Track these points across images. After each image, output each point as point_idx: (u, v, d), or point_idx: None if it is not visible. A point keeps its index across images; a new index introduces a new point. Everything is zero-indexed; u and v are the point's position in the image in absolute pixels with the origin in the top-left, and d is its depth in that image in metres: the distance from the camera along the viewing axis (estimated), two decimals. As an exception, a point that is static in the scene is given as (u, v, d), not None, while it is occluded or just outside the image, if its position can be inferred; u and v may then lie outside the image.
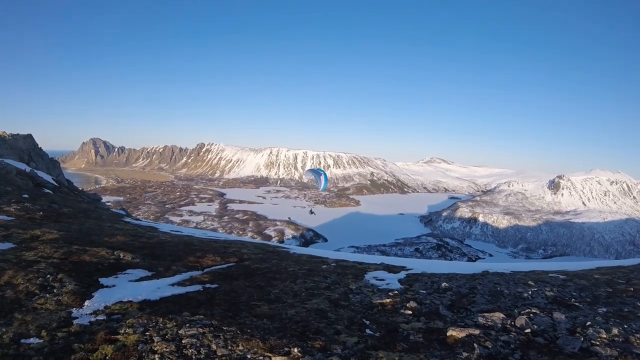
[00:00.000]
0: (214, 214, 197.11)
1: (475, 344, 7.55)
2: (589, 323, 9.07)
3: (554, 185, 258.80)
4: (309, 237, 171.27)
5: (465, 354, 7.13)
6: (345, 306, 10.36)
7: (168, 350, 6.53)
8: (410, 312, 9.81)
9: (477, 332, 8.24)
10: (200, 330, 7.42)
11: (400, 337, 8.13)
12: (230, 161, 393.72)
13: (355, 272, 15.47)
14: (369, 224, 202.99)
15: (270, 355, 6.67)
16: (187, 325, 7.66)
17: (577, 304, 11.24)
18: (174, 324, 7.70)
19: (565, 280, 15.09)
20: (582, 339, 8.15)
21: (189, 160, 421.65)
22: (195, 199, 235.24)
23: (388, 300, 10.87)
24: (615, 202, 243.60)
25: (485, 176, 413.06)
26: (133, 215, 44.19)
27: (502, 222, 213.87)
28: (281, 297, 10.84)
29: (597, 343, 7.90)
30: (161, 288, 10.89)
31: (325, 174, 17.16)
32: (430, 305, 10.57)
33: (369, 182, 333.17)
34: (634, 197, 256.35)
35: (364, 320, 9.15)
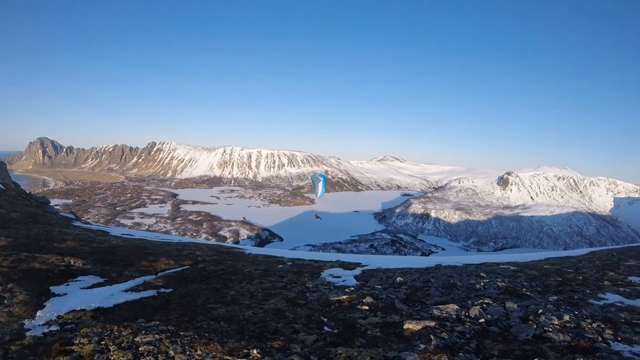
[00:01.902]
0: (167, 215, 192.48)
1: (431, 336, 7.68)
2: (540, 311, 9.39)
3: (503, 181, 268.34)
4: (265, 237, 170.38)
5: (422, 346, 7.24)
6: (302, 305, 10.32)
7: (125, 359, 6.30)
8: (367, 308, 9.89)
9: (433, 324, 8.39)
10: (157, 336, 7.21)
11: (359, 332, 8.17)
12: (183, 161, 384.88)
13: (312, 270, 15.48)
14: (324, 222, 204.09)
15: (229, 358, 6.55)
16: (143, 332, 7.42)
17: (528, 293, 11.65)
18: (130, 331, 7.46)
19: (516, 271, 15.62)
20: (535, 326, 8.44)
21: (140, 160, 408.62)
22: (146, 200, 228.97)
23: (345, 296, 10.92)
24: (562, 197, 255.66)
25: (437, 173, 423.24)
26: (83, 218, 42.59)
27: (454, 217, 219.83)
28: (238, 299, 10.69)
29: (550, 329, 8.19)
30: (114, 295, 10.54)
31: (324, 180, 17.00)
32: (387, 300, 10.70)
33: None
34: (580, 192, 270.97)
35: (322, 317, 9.14)
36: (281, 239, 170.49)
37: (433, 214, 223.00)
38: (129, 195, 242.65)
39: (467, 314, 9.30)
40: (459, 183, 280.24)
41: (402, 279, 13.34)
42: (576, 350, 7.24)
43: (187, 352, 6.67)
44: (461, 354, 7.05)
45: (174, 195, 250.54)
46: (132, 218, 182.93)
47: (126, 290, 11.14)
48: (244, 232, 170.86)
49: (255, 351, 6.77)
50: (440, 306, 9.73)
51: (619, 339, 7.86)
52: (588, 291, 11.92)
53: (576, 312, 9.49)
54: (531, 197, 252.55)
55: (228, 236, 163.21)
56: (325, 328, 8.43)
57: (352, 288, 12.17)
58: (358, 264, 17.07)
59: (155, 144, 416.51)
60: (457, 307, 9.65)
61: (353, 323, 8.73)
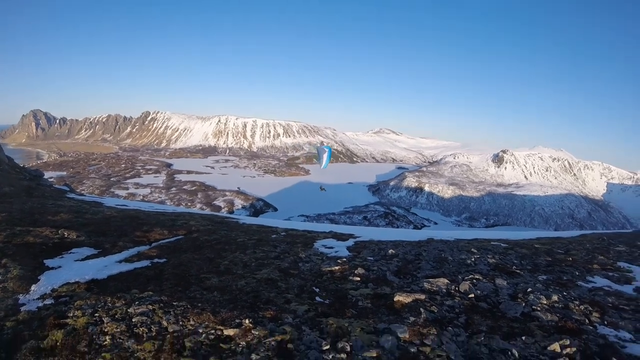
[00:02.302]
0: (161, 185, 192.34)
1: (421, 309, 7.78)
2: (530, 289, 9.52)
3: (497, 159, 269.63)
4: (259, 206, 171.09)
5: (412, 319, 7.34)
6: (295, 275, 10.40)
7: (119, 330, 6.35)
8: (358, 279, 9.99)
9: (423, 297, 8.50)
10: (150, 307, 7.25)
11: (350, 303, 8.26)
12: (177, 130, 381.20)
13: (305, 240, 15.57)
14: (318, 193, 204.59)
15: (222, 328, 6.61)
16: (137, 303, 7.46)
17: (518, 271, 11.78)
18: (123, 302, 7.49)
19: (507, 248, 15.78)
20: (524, 304, 8.55)
21: (134, 130, 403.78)
22: (141, 170, 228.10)
23: (337, 267, 11.01)
24: (556, 178, 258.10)
25: (432, 148, 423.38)
26: (77, 190, 42.50)
27: (447, 192, 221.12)
28: (231, 269, 10.74)
29: (538, 309, 8.30)
30: (108, 266, 10.55)
31: (330, 151, 16.92)
32: (378, 272, 10.81)
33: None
34: (574, 174, 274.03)
35: (314, 288, 9.23)
36: (275, 209, 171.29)
37: (427, 188, 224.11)
38: (123, 165, 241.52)
39: (457, 288, 9.40)
40: (454, 158, 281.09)
41: (394, 252, 13.45)
42: (563, 330, 7.35)
43: (180, 322, 6.73)
44: (450, 328, 7.15)
45: (169, 165, 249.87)
46: (127, 189, 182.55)
47: (120, 261, 11.15)
48: (239, 202, 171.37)
49: (247, 321, 6.84)
50: (430, 280, 9.84)
51: (606, 322, 7.97)
52: (577, 273, 12.06)
53: (564, 293, 9.61)
54: (525, 177, 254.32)
55: (222, 206, 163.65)
56: (317, 298, 8.51)
57: (345, 259, 12.27)
58: (351, 235, 17.18)
59: (150, 113, 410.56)
60: (448, 282, 9.75)
61: (344, 294, 8.82)
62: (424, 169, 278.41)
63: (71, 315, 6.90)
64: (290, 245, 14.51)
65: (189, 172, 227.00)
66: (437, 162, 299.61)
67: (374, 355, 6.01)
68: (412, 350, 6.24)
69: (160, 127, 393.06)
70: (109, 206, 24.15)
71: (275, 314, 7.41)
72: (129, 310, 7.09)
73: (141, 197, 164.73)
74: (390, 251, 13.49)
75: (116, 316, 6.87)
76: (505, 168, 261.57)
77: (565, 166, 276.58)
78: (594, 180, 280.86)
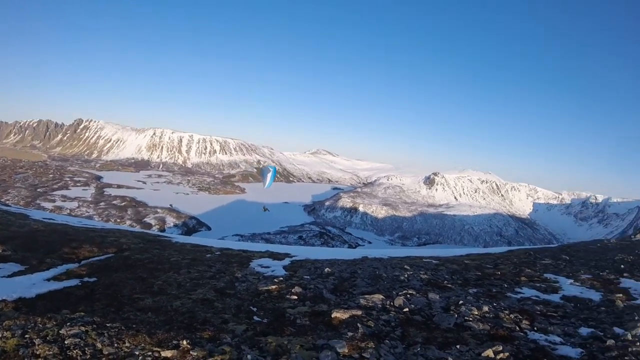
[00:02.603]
0: (90, 199, 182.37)
1: (359, 324, 7.92)
2: (461, 302, 9.95)
3: (429, 181, 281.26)
4: (192, 225, 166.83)
5: (350, 334, 7.45)
6: (231, 295, 10.29)
7: (51, 352, 5.99)
8: (295, 297, 10.02)
9: (359, 312, 8.66)
10: (83, 328, 6.90)
11: (288, 321, 8.27)
12: (110, 141, 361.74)
13: (241, 260, 15.42)
14: (253, 212, 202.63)
15: (159, 349, 6.41)
16: (69, 324, 7.08)
17: (449, 285, 12.28)
18: (54, 323, 7.09)
19: (438, 264, 16.38)
20: (456, 315, 8.93)
21: (65, 138, 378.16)
22: (69, 182, 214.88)
23: (274, 286, 10.99)
24: (484, 199, 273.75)
25: (367, 169, 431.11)
26: (2, 200, 39.79)
27: (381, 212, 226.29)
28: (165, 289, 10.48)
29: (470, 319, 8.70)
30: (36, 284, 9.99)
31: (274, 171, 16.80)
32: (315, 290, 10.89)
33: (255, 169, 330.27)
34: (502, 195, 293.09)
35: (251, 307, 9.16)
36: (209, 228, 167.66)
37: (361, 209, 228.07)
38: (51, 176, 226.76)
39: (392, 303, 9.66)
40: (388, 180, 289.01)
41: (330, 270, 13.60)
42: (495, 338, 7.74)
43: (115, 344, 6.46)
44: (387, 341, 7.34)
45: (99, 178, 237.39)
46: (54, 201, 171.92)
47: (48, 279, 10.60)
48: (171, 220, 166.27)
49: (184, 342, 6.68)
50: (366, 296, 10.05)
51: (535, 328, 8.49)
52: (506, 285, 12.75)
53: (495, 304, 10.14)
54: (455, 197, 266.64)
55: (154, 223, 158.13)
56: (255, 318, 8.46)
57: (281, 278, 12.27)
58: (287, 255, 17.19)
59: (82, 121, 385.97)
60: (383, 297, 10.00)
61: (282, 312, 8.83)
62: (359, 189, 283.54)
63: (0, 336, 6.47)
64: (226, 264, 14.32)
65: (119, 187, 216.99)
66: (372, 183, 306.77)
67: (314, 371, 6.07)
68: (352, 364, 6.36)
69: (93, 136, 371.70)
70: (35, 219, 22.86)
71: (213, 334, 7.29)
72: (60, 331, 6.72)
73: (68, 211, 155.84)
74: (326, 270, 13.64)
75: (48, 338, 6.49)
76: (437, 190, 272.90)
77: (493, 188, 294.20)
78: (521, 201, 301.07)
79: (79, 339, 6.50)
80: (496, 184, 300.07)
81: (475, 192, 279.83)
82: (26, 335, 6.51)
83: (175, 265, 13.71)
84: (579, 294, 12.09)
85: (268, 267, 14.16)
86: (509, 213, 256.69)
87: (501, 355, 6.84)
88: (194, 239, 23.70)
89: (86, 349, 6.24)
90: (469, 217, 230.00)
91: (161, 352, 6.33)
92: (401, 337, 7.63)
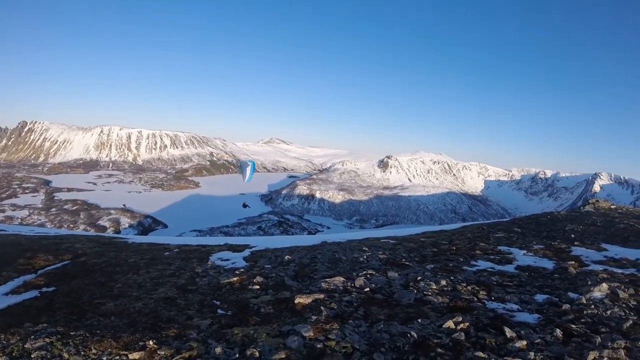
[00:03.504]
0: (40, 206, 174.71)
1: (322, 307, 8.09)
2: (419, 278, 10.31)
3: (383, 164, 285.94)
4: (148, 224, 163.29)
5: (314, 317, 7.62)
6: (193, 290, 10.25)
7: None
8: (258, 287, 10.10)
9: (322, 296, 8.84)
10: (47, 340, 6.74)
11: (252, 311, 8.34)
12: (56, 142, 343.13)
13: (200, 255, 15.32)
14: (210, 206, 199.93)
15: (126, 353, 6.37)
16: (32, 337, 6.89)
17: (407, 263, 12.67)
18: (18, 338, 6.87)
19: (396, 244, 16.79)
20: (416, 291, 9.25)
21: (10, 143, 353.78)
22: (18, 189, 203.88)
23: (235, 278, 11.03)
24: (437, 179, 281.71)
25: (322, 156, 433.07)
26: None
27: (338, 197, 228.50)
28: (125, 291, 10.32)
29: (429, 293, 9.05)
30: None
31: (253, 165, 16.70)
32: (277, 278, 11.00)
33: (208, 162, 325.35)
34: (454, 175, 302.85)
35: (215, 301, 9.17)
36: (165, 226, 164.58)
37: (318, 195, 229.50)
38: None
39: (353, 284, 9.91)
40: (342, 165, 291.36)
41: (290, 257, 13.74)
42: (454, 309, 8.08)
43: (82, 353, 6.36)
44: (351, 321, 7.55)
45: (47, 183, 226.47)
46: (4, 211, 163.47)
47: (6, 294, 10.26)
48: (125, 221, 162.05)
49: (151, 342, 6.67)
50: (327, 279, 10.26)
51: (493, 298, 8.91)
52: (462, 259, 13.26)
53: (452, 278, 10.56)
54: (409, 179, 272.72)
55: (108, 225, 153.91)
56: (219, 311, 8.48)
57: (242, 269, 12.31)
58: (246, 246, 17.19)
59: (27, 123, 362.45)
60: (344, 279, 10.24)
61: (246, 303, 8.88)
62: (315, 176, 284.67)
63: None
64: (185, 261, 14.20)
65: (69, 190, 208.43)
66: (327, 169, 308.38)
67: (283, 356, 6.18)
68: (319, 346, 6.50)
69: (38, 139, 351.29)
70: None
71: (178, 332, 7.28)
72: (25, 345, 6.54)
73: (19, 220, 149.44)
74: (286, 257, 13.76)
75: (14, 354, 6.31)
76: (390, 172, 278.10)
77: (445, 168, 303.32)
78: (472, 179, 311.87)
79: (45, 351, 6.38)
80: (448, 164, 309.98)
81: (428, 172, 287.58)
82: (-9, 353, 6.34)
83: (134, 266, 13.49)
84: (533, 263, 12.72)
85: (228, 259, 14.15)
86: (461, 191, 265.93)
87: (461, 325, 7.14)
88: (150, 238, 23.26)
89: (53, 360, 6.16)
90: (424, 197, 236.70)
91: (129, 355, 6.31)
92: (364, 316, 7.86)
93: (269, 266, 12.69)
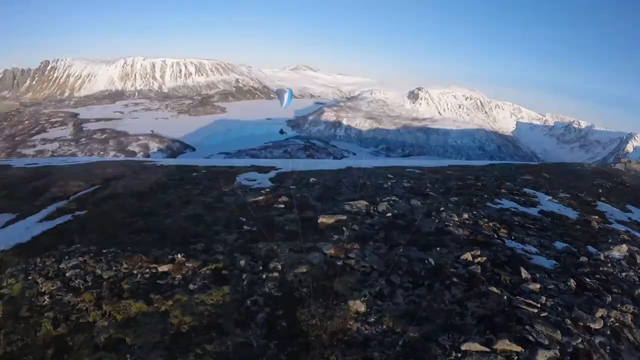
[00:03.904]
0: (70, 138, 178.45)
1: (344, 228, 8.30)
2: (442, 209, 10.36)
3: (413, 96, 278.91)
4: (176, 148, 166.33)
5: (336, 237, 7.83)
6: (220, 208, 10.51)
7: (55, 287, 6.20)
8: (283, 206, 10.32)
9: (344, 217, 9.02)
10: (81, 259, 7.08)
11: (277, 228, 8.59)
12: (80, 77, 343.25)
13: (227, 176, 15.55)
14: (237, 130, 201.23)
15: (155, 265, 6.71)
16: (66, 257, 7.23)
17: (431, 193, 12.68)
18: (53, 260, 7.22)
19: (421, 174, 16.76)
20: (437, 221, 9.34)
21: (34, 83, 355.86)
22: (46, 125, 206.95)
23: (261, 197, 11.26)
24: (468, 115, 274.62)
25: (350, 84, 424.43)
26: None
27: (365, 125, 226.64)
28: (155, 210, 10.59)
29: (450, 225, 9.11)
30: (30, 227, 10.01)
31: (290, 92, 16.62)
32: (301, 198, 11.20)
33: (234, 89, 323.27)
34: (486, 112, 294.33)
35: (241, 218, 9.39)
36: (193, 149, 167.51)
37: (345, 122, 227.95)
38: (26, 122, 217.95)
39: (375, 209, 10.06)
40: (371, 94, 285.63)
41: (315, 180, 13.89)
42: (474, 243, 8.18)
43: (114, 268, 6.71)
44: (371, 242, 7.74)
45: (75, 115, 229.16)
46: (34, 146, 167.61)
47: (41, 221, 10.60)
48: (154, 145, 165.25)
49: (179, 256, 6.98)
50: (351, 202, 10.41)
51: (513, 237, 8.94)
52: (486, 196, 13.17)
53: (474, 212, 10.56)
54: (439, 112, 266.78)
55: (137, 151, 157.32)
56: (245, 227, 8.73)
57: (268, 189, 12.53)
58: (272, 168, 17.37)
59: (49, 62, 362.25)
60: (367, 204, 10.37)
61: (271, 220, 9.13)
62: (342, 104, 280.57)
63: (5, 284, 6.61)
64: (212, 181, 14.46)
65: (97, 120, 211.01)
66: (355, 97, 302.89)
67: (304, 270, 6.44)
68: (339, 263, 6.73)
69: (62, 75, 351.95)
70: (18, 167, 22.47)
71: (206, 246, 7.58)
72: (60, 266, 6.91)
73: (50, 153, 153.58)
74: (311, 179, 13.91)
75: (49, 274, 6.68)
76: (420, 104, 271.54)
77: (477, 105, 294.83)
78: (505, 119, 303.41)
79: (79, 269, 6.75)
80: (480, 101, 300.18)
81: (459, 107, 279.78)
82: (29, 277, 6.70)
83: (163, 186, 13.82)
84: (557, 210, 12.57)
85: (254, 180, 14.38)
86: (492, 130, 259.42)
87: (479, 259, 7.27)
88: (179, 161, 23.73)
89: (87, 277, 6.51)
90: (453, 131, 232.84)
91: (158, 268, 6.65)
92: (384, 239, 8.03)
93: (294, 187, 12.88)
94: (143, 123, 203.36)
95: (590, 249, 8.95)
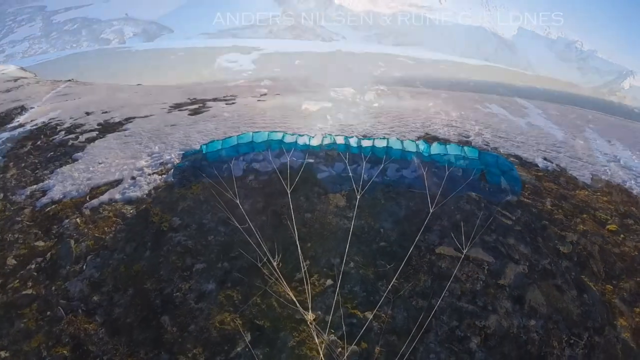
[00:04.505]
0: (40, 34, 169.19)
1: (328, 115, 7.96)
2: (431, 104, 10.02)
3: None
4: (153, 31, 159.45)
5: (320, 125, 7.53)
6: (200, 93, 10.10)
7: None
8: (265, 90, 9.94)
9: (329, 105, 8.65)
10: None
11: (257, 115, 8.21)
12: None
13: (207, 58, 14.89)
14: (220, 5, 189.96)
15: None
16: None
17: (420, 85, 12.28)
18: None
19: (413, 65, 16.22)
20: (424, 116, 8.97)
21: None
22: (12, 24, 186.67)
23: (243, 81, 10.82)
24: (470, 8, 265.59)
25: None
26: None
27: (358, 6, 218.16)
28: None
29: (437, 123, 8.78)
30: None
31: None
32: (285, 82, 10.77)
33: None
34: (489, 10, 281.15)
35: (223, 104, 9.00)
36: (171, 31, 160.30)
37: (337, 1, 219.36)
38: None
39: (362, 97, 9.69)
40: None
41: (300, 62, 13.35)
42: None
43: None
44: (355, 135, 7.47)
45: (42, 8, 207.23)
46: (3, 51, 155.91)
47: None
48: (129, 30, 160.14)
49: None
50: (337, 89, 10.02)
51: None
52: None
53: (462, 112, 10.29)
54: (440, 1, 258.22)
55: (112, 38, 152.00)
56: (225, 114, 8.33)
57: (250, 72, 12.03)
58: (255, 48, 16.66)
59: None
60: (353, 91, 9.98)
61: (253, 107, 8.74)
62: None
63: None
64: (192, 63, 13.83)
65: (67, 10, 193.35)
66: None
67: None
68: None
69: None
70: None
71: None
72: None
73: (21, 55, 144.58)
74: (296, 62, 13.37)
75: None
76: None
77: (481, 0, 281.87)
78: (506, 22, 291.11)
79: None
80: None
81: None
82: None
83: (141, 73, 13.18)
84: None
85: (236, 61, 13.78)
86: (492, 30, 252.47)
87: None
88: (156, 45, 22.35)
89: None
90: (450, 22, 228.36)
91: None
92: (372, 127, 7.74)
93: (278, 69, 12.36)
94: (115, 5, 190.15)
95: (572, 172, 8.99)
